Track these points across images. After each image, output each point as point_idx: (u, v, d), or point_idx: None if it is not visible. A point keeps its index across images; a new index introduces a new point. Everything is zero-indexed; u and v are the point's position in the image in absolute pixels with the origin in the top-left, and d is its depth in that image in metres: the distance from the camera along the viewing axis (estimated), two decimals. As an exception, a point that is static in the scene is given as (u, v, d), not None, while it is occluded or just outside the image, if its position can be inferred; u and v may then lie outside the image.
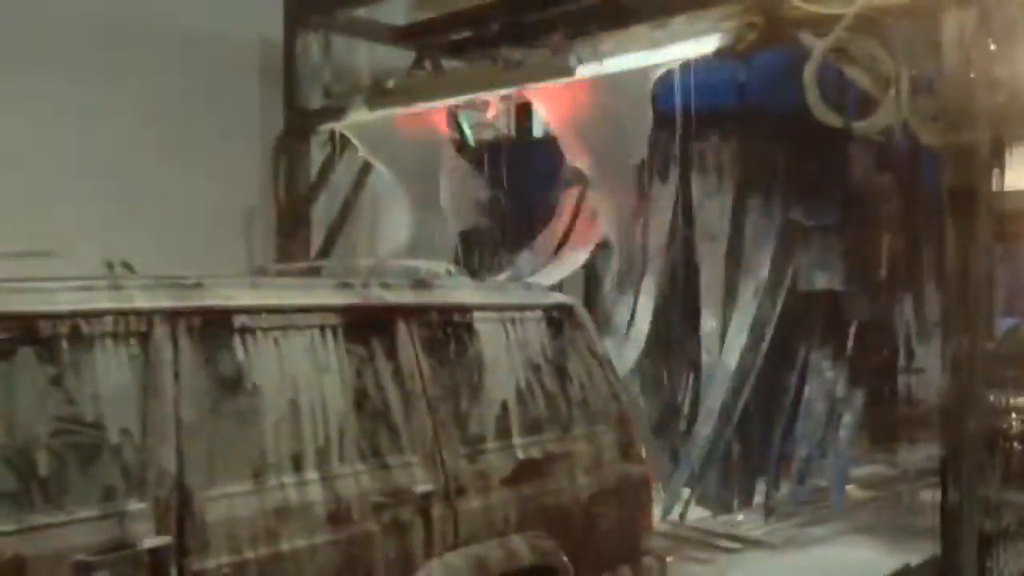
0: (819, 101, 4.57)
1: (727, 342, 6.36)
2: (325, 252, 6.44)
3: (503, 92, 5.72)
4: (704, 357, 6.48)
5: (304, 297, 3.06)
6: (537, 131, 7.98)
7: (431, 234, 7.57)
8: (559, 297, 4.03)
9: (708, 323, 6.43)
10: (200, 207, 5.99)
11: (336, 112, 6.10)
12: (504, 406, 3.51)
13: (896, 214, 6.21)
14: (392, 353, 3.20)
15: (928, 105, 4.42)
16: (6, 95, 5.38)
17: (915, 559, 5.62)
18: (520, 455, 3.51)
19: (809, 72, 4.51)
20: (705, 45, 4.94)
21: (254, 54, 6.50)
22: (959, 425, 4.13)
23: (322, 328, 3.04)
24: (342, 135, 6.24)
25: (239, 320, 2.83)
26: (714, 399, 6.31)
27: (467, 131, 7.52)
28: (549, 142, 7.09)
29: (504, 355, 3.56)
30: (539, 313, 3.76)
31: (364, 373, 3.11)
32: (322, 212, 6.66)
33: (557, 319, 3.81)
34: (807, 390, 6.55)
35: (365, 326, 3.16)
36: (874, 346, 6.62)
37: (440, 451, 3.26)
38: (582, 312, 4.02)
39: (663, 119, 6.04)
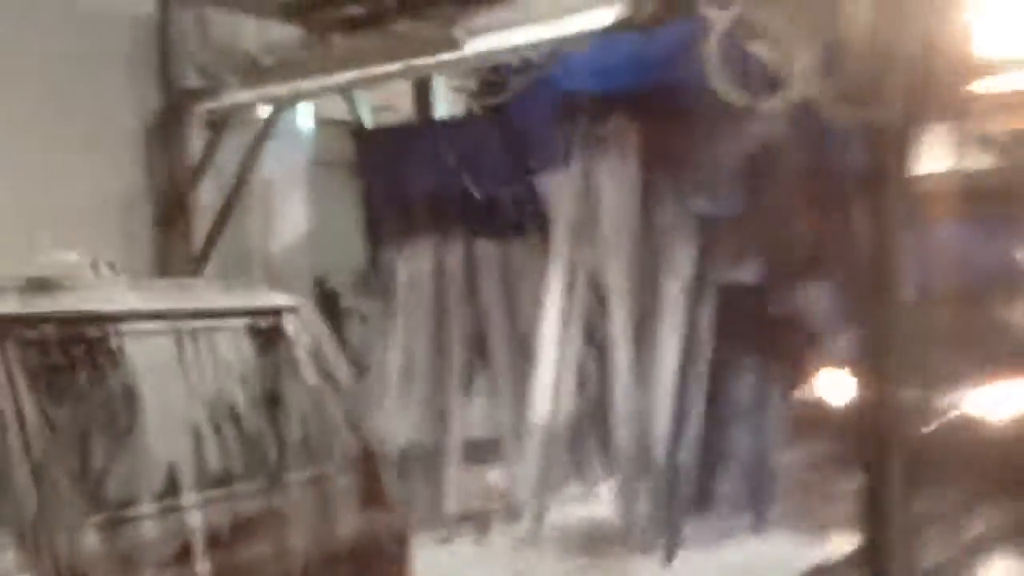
0: (721, 78, 4.28)
1: (657, 354, 5.95)
2: (209, 243, 6.00)
3: (391, 67, 5.31)
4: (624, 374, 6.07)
5: None
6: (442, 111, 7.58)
7: (340, 228, 7.19)
8: (273, 298, 3.17)
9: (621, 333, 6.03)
10: (70, 198, 5.49)
11: (212, 93, 5.66)
12: (173, 454, 2.61)
13: (808, 198, 5.98)
14: None
15: (836, 82, 4.18)
16: None
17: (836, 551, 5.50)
18: (194, 520, 2.58)
19: (710, 47, 4.22)
20: (603, 18, 4.62)
21: (125, 33, 5.99)
22: (876, 419, 3.93)
23: None
24: (223, 118, 5.80)
25: None
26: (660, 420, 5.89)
27: (364, 113, 7.11)
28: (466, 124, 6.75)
29: (174, 383, 2.67)
30: (240, 321, 2.89)
31: None
32: (208, 201, 6.20)
33: (268, 329, 2.95)
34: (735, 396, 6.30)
35: None
36: (793, 342, 6.40)
37: (45, 527, 2.32)
38: (308, 318, 3.18)
39: (565, 102, 5.74)
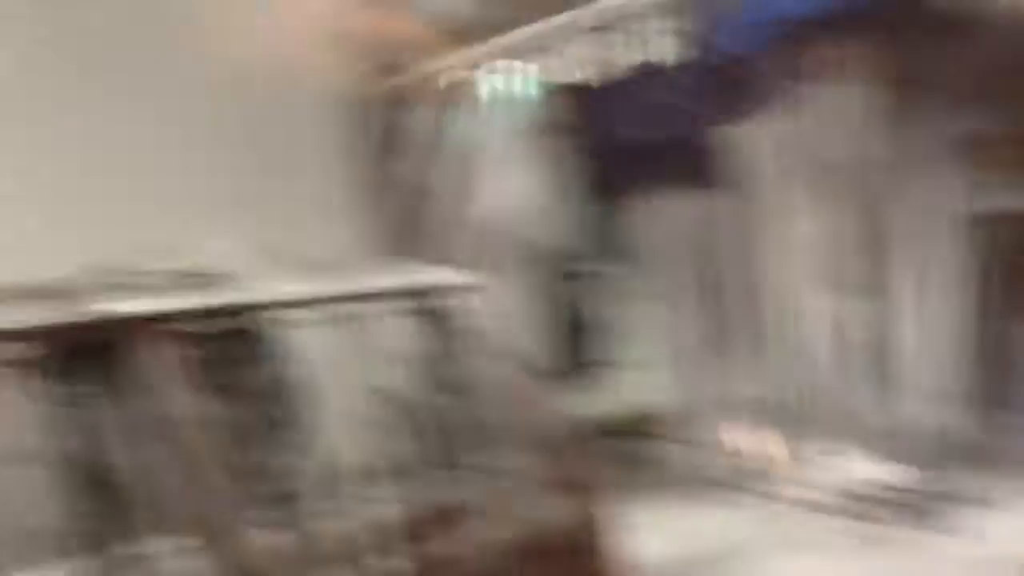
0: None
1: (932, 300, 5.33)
2: (413, 219, 5.97)
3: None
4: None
5: None
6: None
7: (561, 192, 7.00)
8: (445, 276, 3.04)
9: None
10: (266, 181, 5.63)
11: (404, 64, 5.56)
12: (339, 447, 2.52)
13: None
14: (131, 387, 2.29)
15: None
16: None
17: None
18: (366, 515, 2.50)
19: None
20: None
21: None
22: None
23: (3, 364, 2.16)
24: (421, 88, 5.70)
25: None
26: None
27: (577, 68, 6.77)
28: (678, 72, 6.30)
29: (337, 371, 2.61)
30: (408, 303, 2.83)
31: (76, 425, 2.22)
32: (413, 176, 6.18)
33: (439, 309, 2.88)
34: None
35: (82, 354, 2.27)
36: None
37: (211, 526, 2.28)
38: (484, 295, 3.02)
39: (788, 31, 5.19)
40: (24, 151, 4.99)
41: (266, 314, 2.50)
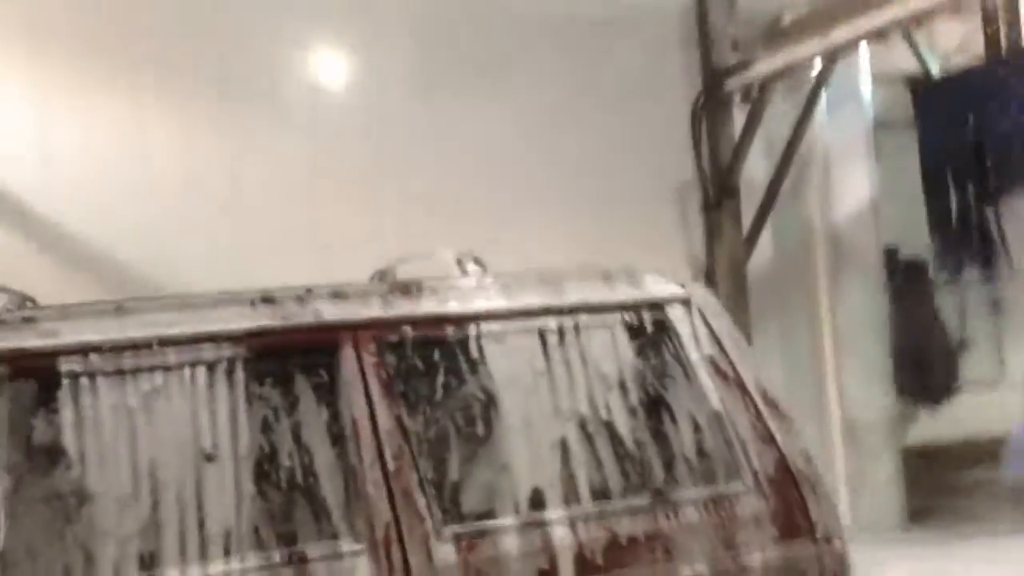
0: None
1: None
2: (759, 221, 5.85)
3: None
4: None
5: (184, 324, 2.21)
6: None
7: (911, 192, 6.54)
8: (658, 288, 2.68)
9: None
10: (619, 186, 5.80)
11: (746, 66, 5.49)
12: (536, 464, 2.37)
13: None
14: (331, 394, 2.26)
15: None
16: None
17: None
18: (560, 538, 2.31)
19: None
20: None
21: (669, 21, 6.13)
22: None
23: (211, 366, 2.20)
24: (761, 89, 5.60)
25: (65, 364, 2.08)
26: None
27: (928, 55, 6.29)
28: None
29: (539, 386, 2.42)
30: (616, 317, 2.56)
31: (276, 427, 2.21)
32: (759, 178, 6.07)
33: (650, 324, 2.58)
34: None
35: (287, 358, 2.27)
36: None
37: (400, 535, 2.21)
38: (705, 307, 2.69)
39: None
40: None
41: (468, 326, 2.44)
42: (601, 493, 2.42)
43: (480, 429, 2.36)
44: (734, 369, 2.64)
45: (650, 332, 2.60)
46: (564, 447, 2.42)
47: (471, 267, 2.63)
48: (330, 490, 2.21)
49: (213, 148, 5.28)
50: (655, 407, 2.55)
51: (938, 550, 5.88)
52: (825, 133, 6.46)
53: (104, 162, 5.09)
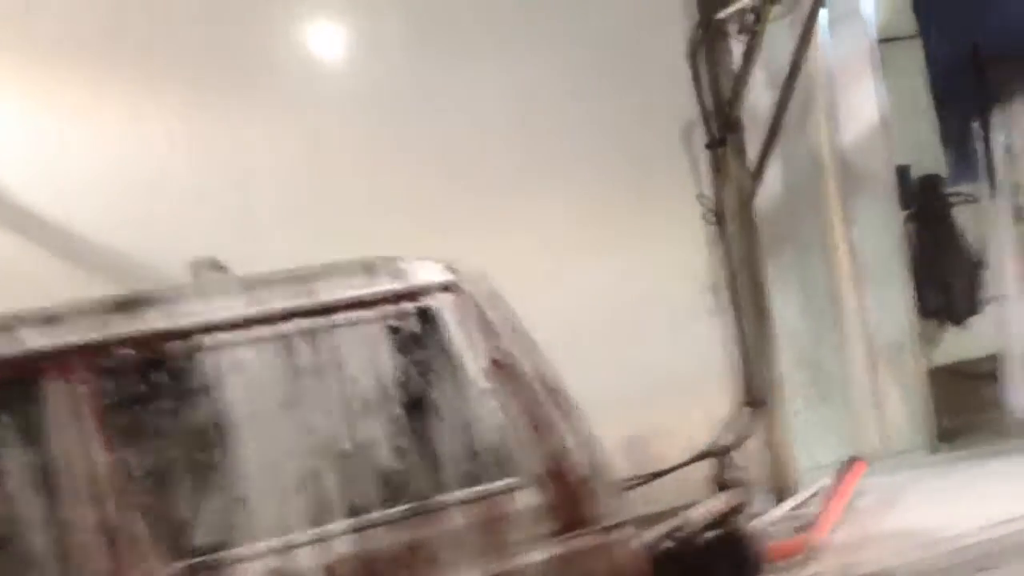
0: None
1: None
2: (765, 152, 5.70)
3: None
4: None
5: None
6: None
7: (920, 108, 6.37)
8: (421, 276, 2.48)
9: None
10: (621, 125, 5.66)
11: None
12: (277, 485, 2.18)
13: None
14: (38, 432, 2.02)
15: None
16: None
17: None
18: (308, 561, 2.15)
19: None
20: None
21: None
22: None
23: None
24: (757, 16, 5.40)
25: None
26: None
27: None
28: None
29: (285, 398, 2.22)
30: (373, 312, 2.35)
31: None
32: (764, 108, 5.90)
33: (412, 317, 2.38)
34: None
35: None
36: None
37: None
38: (477, 293, 2.53)
39: None
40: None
41: (198, 340, 2.18)
42: (356, 508, 2.25)
43: (215, 454, 2.15)
44: (509, 357, 2.49)
45: (414, 325, 2.42)
46: (313, 463, 2.24)
47: (208, 272, 2.45)
48: (41, 544, 1.98)
49: (211, 132, 5.17)
50: (420, 407, 2.37)
51: (962, 469, 5.86)
52: (827, 55, 6.27)
53: (101, 152, 4.98)
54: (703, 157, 5.85)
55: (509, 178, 5.57)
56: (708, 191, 5.86)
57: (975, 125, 5.96)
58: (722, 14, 5.61)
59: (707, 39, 5.71)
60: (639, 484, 5.32)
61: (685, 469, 5.38)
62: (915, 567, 4.67)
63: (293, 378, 2.27)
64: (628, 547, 2.51)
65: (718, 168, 5.75)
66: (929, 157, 6.58)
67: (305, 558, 2.18)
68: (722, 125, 5.71)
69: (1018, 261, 6.01)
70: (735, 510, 5.14)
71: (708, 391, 5.87)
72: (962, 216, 6.99)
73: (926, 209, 6.89)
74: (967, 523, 5.00)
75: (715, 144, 5.73)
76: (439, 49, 5.48)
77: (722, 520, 4.98)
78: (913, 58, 6.23)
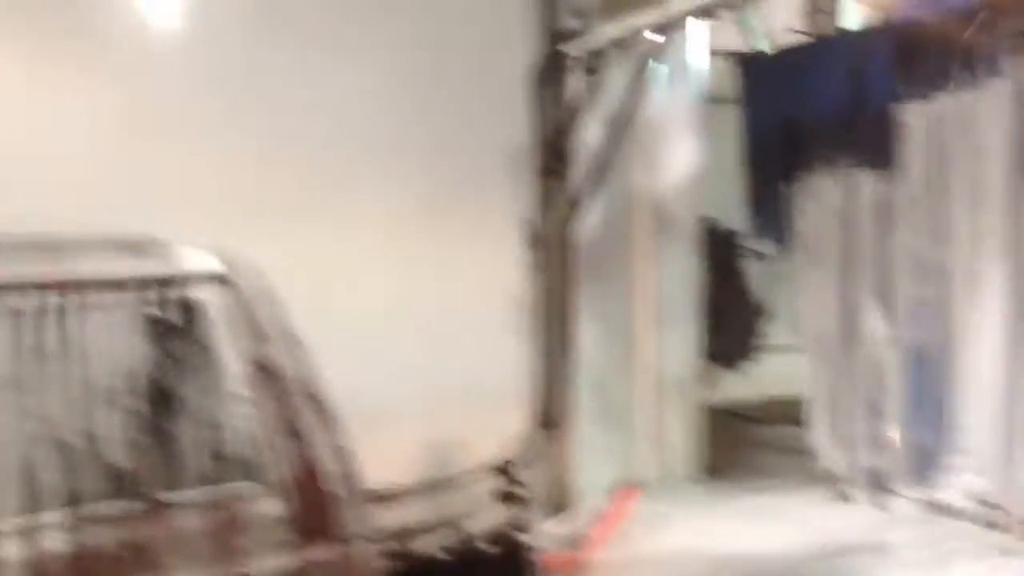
0: None
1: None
2: (588, 187, 5.99)
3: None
4: None
5: None
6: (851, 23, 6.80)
7: (732, 167, 6.86)
8: (194, 262, 2.36)
9: None
10: (456, 147, 5.80)
11: (587, 33, 5.57)
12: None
13: None
14: None
15: None
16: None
17: None
18: (6, 551, 2.00)
19: None
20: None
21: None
22: None
23: None
24: (598, 57, 5.69)
25: None
26: None
27: (757, 32, 6.58)
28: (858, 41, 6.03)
29: (15, 378, 2.05)
30: (132, 295, 2.20)
31: None
32: (595, 145, 6.18)
33: (176, 303, 2.26)
34: None
35: None
36: None
37: None
38: (248, 289, 2.42)
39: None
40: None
41: None
42: (74, 501, 2.10)
43: None
44: (271, 360, 2.39)
45: (174, 315, 2.26)
46: (30, 449, 2.07)
47: None
48: None
49: (29, 92, 4.86)
50: (166, 401, 2.24)
51: (726, 501, 6.39)
52: (657, 105, 6.66)
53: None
54: (532, 183, 6.06)
55: (336, 174, 5.54)
56: (532, 216, 6.07)
57: (779, 188, 6.49)
58: (567, 49, 5.85)
59: (549, 70, 5.93)
60: (426, 493, 5.45)
61: (473, 481, 5.56)
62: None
63: (21, 356, 2.07)
64: (364, 561, 2.47)
65: (544, 196, 5.98)
66: (732, 213, 7.11)
67: (5, 550, 2.02)
68: (553, 155, 5.95)
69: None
70: (515, 524, 5.36)
71: (506, 407, 6.06)
72: (752, 271, 7.58)
73: (721, 261, 7.42)
74: (728, 549, 5.51)
75: (544, 172, 5.96)
76: (280, 37, 5.39)
77: (502, 533, 5.18)
78: (731, 120, 6.71)
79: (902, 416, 5.89)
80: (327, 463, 2.44)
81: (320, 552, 2.39)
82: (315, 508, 2.39)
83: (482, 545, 4.93)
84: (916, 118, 5.54)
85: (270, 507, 2.33)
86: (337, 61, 5.50)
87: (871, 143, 5.75)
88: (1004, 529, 5.59)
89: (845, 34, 6.51)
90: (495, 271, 6.12)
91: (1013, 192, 5.19)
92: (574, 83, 5.93)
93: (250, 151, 5.30)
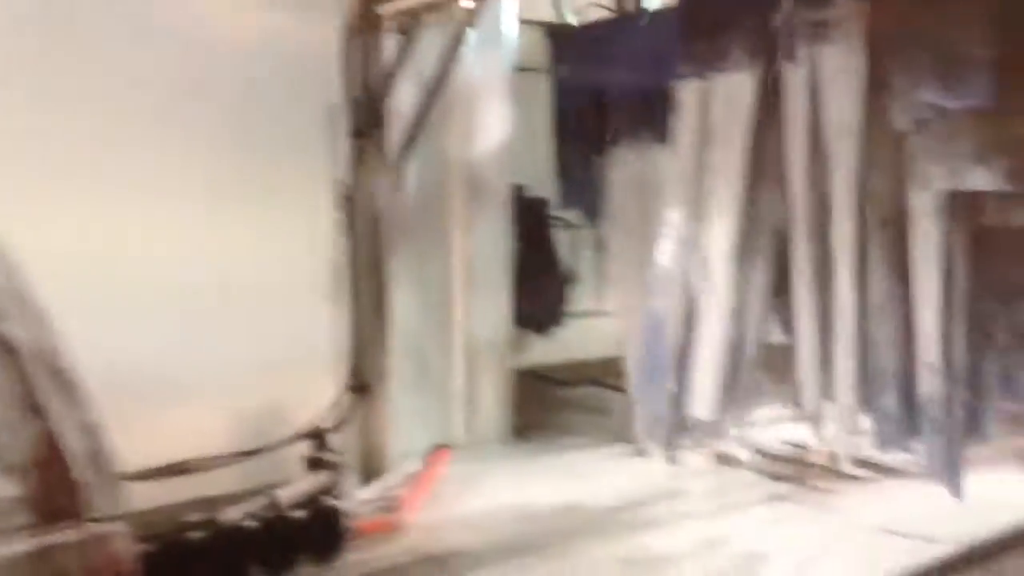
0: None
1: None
2: (404, 152, 5.99)
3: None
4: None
5: None
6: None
7: (542, 136, 7.02)
8: None
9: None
10: (266, 108, 5.63)
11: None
12: None
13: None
14: None
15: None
16: None
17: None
18: None
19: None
20: None
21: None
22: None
23: None
24: (413, 18, 5.69)
25: None
26: None
27: (565, 5, 6.78)
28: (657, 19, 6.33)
29: None
30: None
31: None
32: (408, 109, 6.16)
33: None
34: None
35: None
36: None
37: None
38: None
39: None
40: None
41: None
42: None
43: None
44: (5, 332, 2.27)
45: None
46: None
47: None
48: None
49: None
50: None
51: (534, 461, 6.63)
52: (470, 71, 6.73)
53: None
54: (346, 145, 5.98)
55: (131, 131, 5.21)
56: (346, 179, 6.00)
57: (585, 159, 6.72)
58: (381, 9, 5.80)
59: (363, 29, 5.85)
60: (236, 461, 5.35)
61: (284, 448, 5.49)
62: (489, 542, 5.19)
63: None
64: (114, 542, 2.36)
65: (359, 158, 5.91)
66: (543, 182, 7.30)
67: None
68: (367, 117, 5.89)
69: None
70: (326, 490, 5.35)
71: (322, 374, 6.00)
72: (560, 239, 7.82)
73: (531, 228, 7.61)
74: (534, 504, 5.70)
75: (358, 134, 5.89)
76: None
77: (313, 499, 5.16)
78: (543, 90, 6.87)
79: (674, 377, 6.23)
80: (72, 442, 2.30)
81: (61, 535, 2.26)
82: (57, 489, 2.26)
83: (292, 512, 4.90)
84: (689, 96, 5.85)
85: (5, 489, 2.19)
86: (143, 13, 5.23)
87: (660, 119, 6.05)
88: (786, 479, 6.15)
89: (644, 12, 6.82)
90: (309, 234, 6.00)
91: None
92: (388, 45, 5.89)
93: (25, 101, 4.90)
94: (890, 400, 5.52)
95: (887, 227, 5.53)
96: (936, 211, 5.39)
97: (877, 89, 5.23)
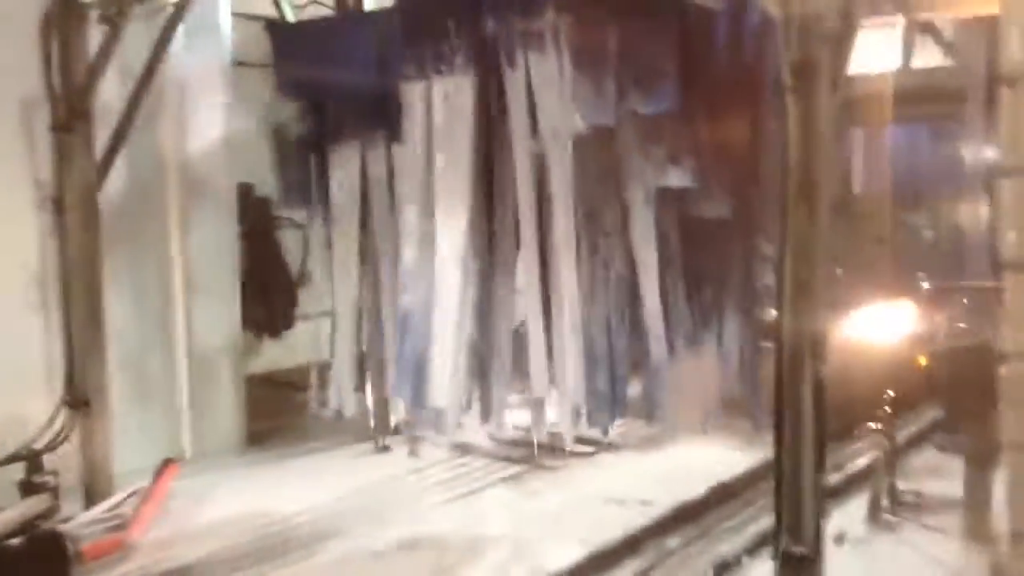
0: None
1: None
2: (112, 149, 5.61)
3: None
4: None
5: None
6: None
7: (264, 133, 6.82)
8: None
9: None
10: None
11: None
12: None
13: (740, 97, 5.71)
14: None
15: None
16: None
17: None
18: None
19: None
20: None
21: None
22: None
23: None
24: (119, 8, 5.34)
25: None
26: None
27: (285, 8, 6.67)
28: (378, 19, 6.37)
29: None
30: None
31: None
32: (114, 103, 5.79)
33: None
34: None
35: None
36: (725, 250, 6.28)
37: None
38: None
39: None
40: None
41: None
42: None
43: None
44: None
45: None
46: None
47: None
48: None
49: None
50: None
51: (270, 468, 6.47)
52: (183, 64, 6.44)
53: None
54: (47, 141, 5.52)
55: None
56: (50, 178, 5.54)
57: (308, 157, 6.62)
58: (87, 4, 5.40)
59: (64, 18, 5.43)
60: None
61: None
62: (224, 553, 5.04)
63: None
64: None
65: (62, 155, 5.47)
66: (267, 180, 7.10)
67: None
68: (70, 111, 5.45)
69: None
70: (43, 515, 4.96)
71: (30, 390, 5.54)
72: (287, 238, 7.64)
73: (257, 228, 7.39)
74: (271, 512, 5.57)
75: (62, 129, 5.45)
76: None
77: (30, 525, 4.78)
78: (264, 85, 6.68)
79: (399, 371, 6.32)
80: None
81: None
82: None
83: (7, 542, 4.52)
84: (415, 97, 5.96)
85: None
86: None
87: (385, 118, 6.10)
88: (518, 461, 6.44)
89: (364, 12, 6.84)
90: (8, 239, 5.55)
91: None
92: (93, 35, 5.49)
93: None
94: (601, 381, 5.98)
95: (602, 221, 5.98)
96: (646, 203, 5.94)
97: (584, 95, 5.59)
